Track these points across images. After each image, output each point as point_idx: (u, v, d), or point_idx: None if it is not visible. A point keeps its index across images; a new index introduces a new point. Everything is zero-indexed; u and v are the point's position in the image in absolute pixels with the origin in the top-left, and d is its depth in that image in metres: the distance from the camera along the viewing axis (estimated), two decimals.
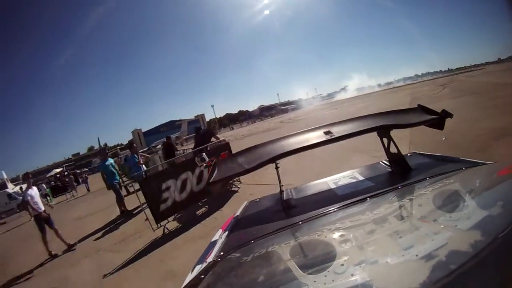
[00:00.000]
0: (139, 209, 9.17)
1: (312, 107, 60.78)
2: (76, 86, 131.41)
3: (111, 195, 10.01)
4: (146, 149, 31.11)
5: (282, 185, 2.09)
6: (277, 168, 2.05)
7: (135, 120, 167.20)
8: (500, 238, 0.79)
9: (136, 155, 10.19)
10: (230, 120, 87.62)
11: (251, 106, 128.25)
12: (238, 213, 2.14)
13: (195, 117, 62.71)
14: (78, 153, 79.65)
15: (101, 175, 10.37)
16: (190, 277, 1.37)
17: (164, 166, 10.88)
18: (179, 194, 7.58)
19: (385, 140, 2.05)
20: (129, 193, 12.21)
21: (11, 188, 32.19)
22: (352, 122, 2.09)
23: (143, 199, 7.07)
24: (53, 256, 7.73)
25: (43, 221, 7.76)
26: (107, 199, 13.07)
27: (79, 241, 8.43)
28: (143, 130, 61.11)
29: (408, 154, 2.32)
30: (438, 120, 1.99)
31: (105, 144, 62.17)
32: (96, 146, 69.70)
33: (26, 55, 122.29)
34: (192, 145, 13.42)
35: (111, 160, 10.53)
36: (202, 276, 1.25)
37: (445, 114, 1.98)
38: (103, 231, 8.99)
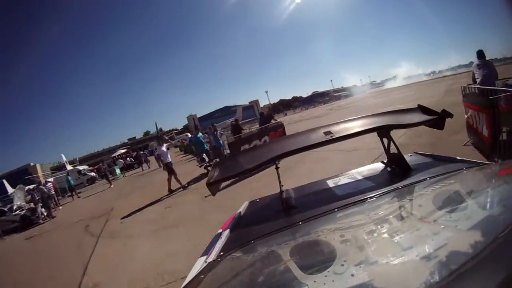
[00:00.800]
0: None
1: (362, 95, 61.85)
2: (132, 74, 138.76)
3: (183, 167, 13.35)
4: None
5: (282, 185, 2.10)
6: (277, 168, 2.06)
7: (190, 106, 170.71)
8: (500, 238, 0.80)
9: (216, 132, 13.86)
10: (284, 106, 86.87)
11: (305, 92, 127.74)
12: (238, 213, 2.14)
13: (249, 102, 63.47)
14: (134, 137, 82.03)
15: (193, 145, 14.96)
16: (190, 276, 1.37)
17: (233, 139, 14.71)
18: None
19: (385, 140, 2.06)
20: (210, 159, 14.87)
21: (69, 168, 36.97)
22: (352, 122, 2.10)
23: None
24: (184, 188, 11.18)
25: (172, 167, 11.37)
26: (181, 169, 15.64)
27: (175, 190, 11.37)
28: (198, 116, 64.07)
29: (409, 155, 2.28)
30: (438, 120, 1.98)
31: (161, 129, 67.29)
32: (152, 131, 73.28)
33: (89, 42, 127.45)
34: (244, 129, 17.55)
35: (200, 134, 14.57)
36: (202, 276, 1.27)
37: (445, 114, 1.97)
38: (193, 183, 11.96)
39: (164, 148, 11.79)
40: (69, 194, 24.59)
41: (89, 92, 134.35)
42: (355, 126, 2.05)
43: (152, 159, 30.70)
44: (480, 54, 7.11)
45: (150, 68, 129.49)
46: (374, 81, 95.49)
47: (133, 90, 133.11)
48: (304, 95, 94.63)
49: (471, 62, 9.65)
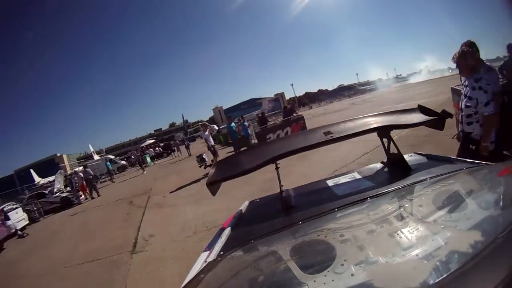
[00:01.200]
0: None
1: (386, 89, 61.33)
2: (158, 67, 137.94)
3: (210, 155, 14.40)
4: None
5: (282, 185, 2.11)
6: (277, 168, 2.05)
7: (216, 98, 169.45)
8: (500, 238, 0.80)
9: (245, 123, 16.08)
10: (310, 99, 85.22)
11: (331, 85, 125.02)
12: (238, 212, 2.13)
13: (275, 95, 62.70)
14: (160, 129, 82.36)
15: (226, 133, 18.27)
16: (190, 276, 1.37)
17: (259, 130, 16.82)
18: None
19: (385, 140, 2.06)
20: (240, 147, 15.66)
21: (96, 158, 38.75)
22: (352, 122, 2.11)
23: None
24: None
25: (215, 150, 13.18)
26: (210, 156, 17.34)
27: None
28: (224, 108, 63.00)
29: (409, 155, 2.27)
30: (438, 120, 1.96)
31: (186, 121, 68.35)
32: (178, 122, 73.94)
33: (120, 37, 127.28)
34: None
35: (233, 124, 15.74)
36: (202, 276, 1.28)
37: (445, 114, 1.96)
38: None
39: (207, 132, 13.70)
40: (103, 179, 27.84)
41: (116, 85, 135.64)
42: (355, 126, 2.07)
43: (182, 148, 32.41)
44: None
45: (176, 60, 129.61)
46: (400, 75, 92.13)
47: (160, 82, 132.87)
48: (330, 88, 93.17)
49: (498, 57, 10.34)
